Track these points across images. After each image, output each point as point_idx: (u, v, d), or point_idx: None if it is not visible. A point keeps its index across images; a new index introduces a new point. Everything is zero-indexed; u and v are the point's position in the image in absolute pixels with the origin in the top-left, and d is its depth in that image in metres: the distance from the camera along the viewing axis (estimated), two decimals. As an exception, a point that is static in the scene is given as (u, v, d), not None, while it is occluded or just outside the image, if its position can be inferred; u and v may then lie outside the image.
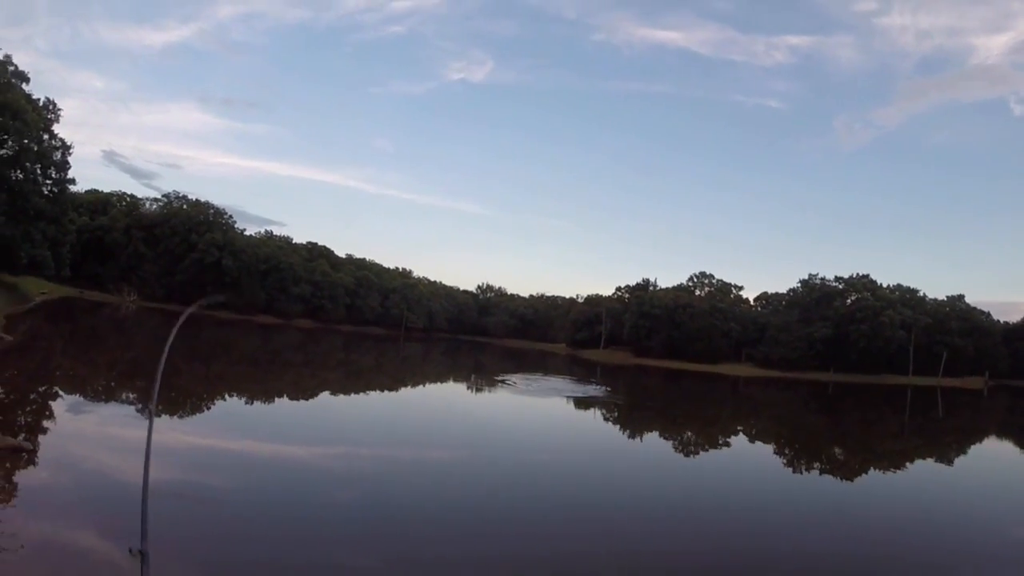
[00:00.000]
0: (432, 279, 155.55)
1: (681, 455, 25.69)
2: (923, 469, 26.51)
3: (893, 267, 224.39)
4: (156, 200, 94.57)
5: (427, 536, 12.08)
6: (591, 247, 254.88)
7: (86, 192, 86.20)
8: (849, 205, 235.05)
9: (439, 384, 47.06)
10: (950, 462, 28.80)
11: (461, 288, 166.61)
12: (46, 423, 15.80)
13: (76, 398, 19.94)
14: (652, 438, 29.61)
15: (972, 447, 35.06)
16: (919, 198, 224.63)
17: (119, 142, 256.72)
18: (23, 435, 13.41)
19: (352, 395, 33.70)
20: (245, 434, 18.92)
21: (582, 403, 38.38)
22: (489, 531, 12.95)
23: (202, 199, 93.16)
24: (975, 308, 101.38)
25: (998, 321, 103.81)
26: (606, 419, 34.09)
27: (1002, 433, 43.08)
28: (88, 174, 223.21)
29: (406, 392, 38.96)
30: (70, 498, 11.29)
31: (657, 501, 17.08)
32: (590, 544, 12.92)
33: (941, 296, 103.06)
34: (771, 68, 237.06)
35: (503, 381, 46.89)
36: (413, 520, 12.89)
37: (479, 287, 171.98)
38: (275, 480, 14.67)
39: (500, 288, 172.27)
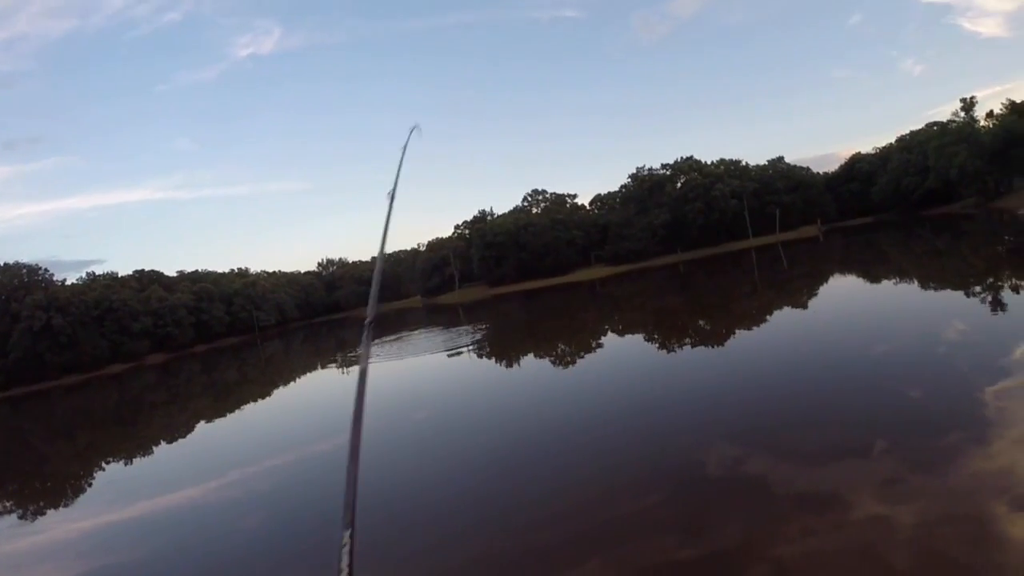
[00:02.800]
0: (271, 270, 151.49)
1: (561, 368, 26.98)
2: (783, 317, 28.63)
3: (714, 144, 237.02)
4: None
5: (336, 529, 12.25)
6: (422, 194, 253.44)
7: None
8: (660, 95, 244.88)
9: (308, 375, 45.99)
10: (805, 305, 31.00)
11: (303, 271, 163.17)
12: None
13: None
14: (530, 361, 30.38)
15: (820, 287, 37.86)
16: (724, 76, 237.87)
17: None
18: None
19: (227, 416, 32.54)
20: (136, 496, 18.13)
21: (451, 349, 38.76)
22: (395, 505, 12.92)
23: (10, 261, 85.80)
24: (795, 166, 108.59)
25: (818, 173, 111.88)
26: (480, 356, 34.84)
27: (844, 268, 46.55)
28: None
29: (279, 393, 38.25)
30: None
31: (546, 419, 17.92)
32: (491, 474, 13.94)
33: (763, 161, 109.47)
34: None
35: (353, 362, 45.87)
36: (319, 519, 12.86)
37: (320, 264, 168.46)
38: (181, 532, 14.19)
39: (342, 259, 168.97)
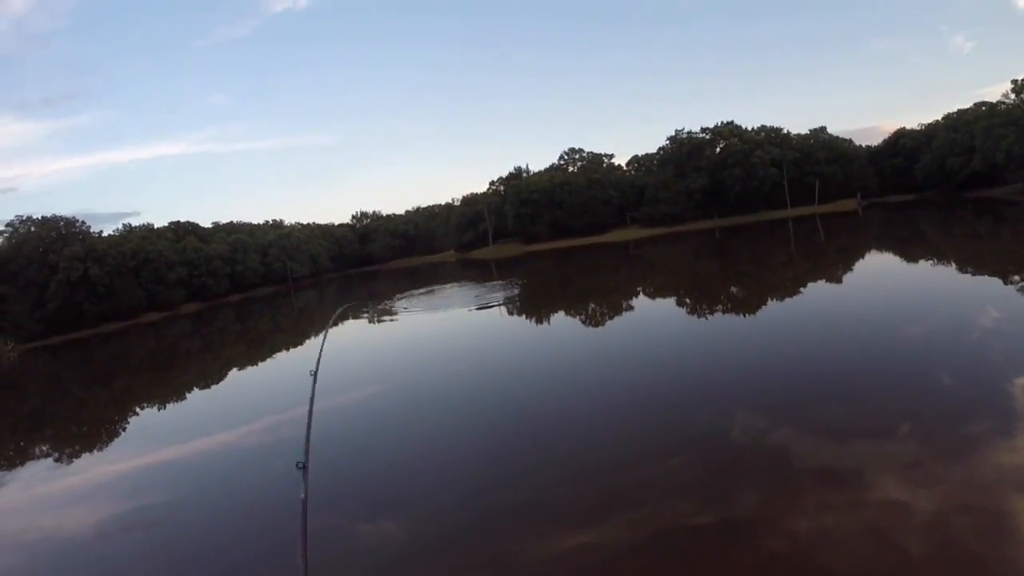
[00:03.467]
0: (305, 222, 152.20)
1: (592, 328, 27.31)
2: (817, 290, 28.19)
3: (755, 110, 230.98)
4: (0, 233, 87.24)
5: (364, 478, 12.91)
6: (457, 150, 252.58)
7: (-78, 252, 78.81)
8: (700, 58, 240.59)
9: (339, 325, 45.43)
10: (839, 280, 30.59)
11: (337, 223, 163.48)
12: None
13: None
14: (561, 320, 30.51)
15: (856, 262, 37.04)
16: (766, 41, 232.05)
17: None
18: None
19: (259, 364, 33.35)
20: (170, 440, 18.56)
21: (482, 305, 38.71)
22: (423, 457, 13.62)
23: (48, 215, 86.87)
24: (838, 137, 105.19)
25: (861, 146, 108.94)
26: (511, 313, 34.95)
27: (881, 245, 45.19)
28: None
29: (311, 343, 38.51)
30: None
31: (574, 379, 18.14)
32: (516, 429, 14.34)
33: (804, 130, 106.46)
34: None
35: (391, 309, 45.80)
36: (345, 468, 13.66)
37: (354, 216, 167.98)
38: (213, 476, 14.85)
39: (376, 212, 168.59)
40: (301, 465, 4.81)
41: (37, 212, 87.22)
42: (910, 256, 35.72)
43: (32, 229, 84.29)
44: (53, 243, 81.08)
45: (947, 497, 8.39)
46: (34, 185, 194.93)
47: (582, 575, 8.20)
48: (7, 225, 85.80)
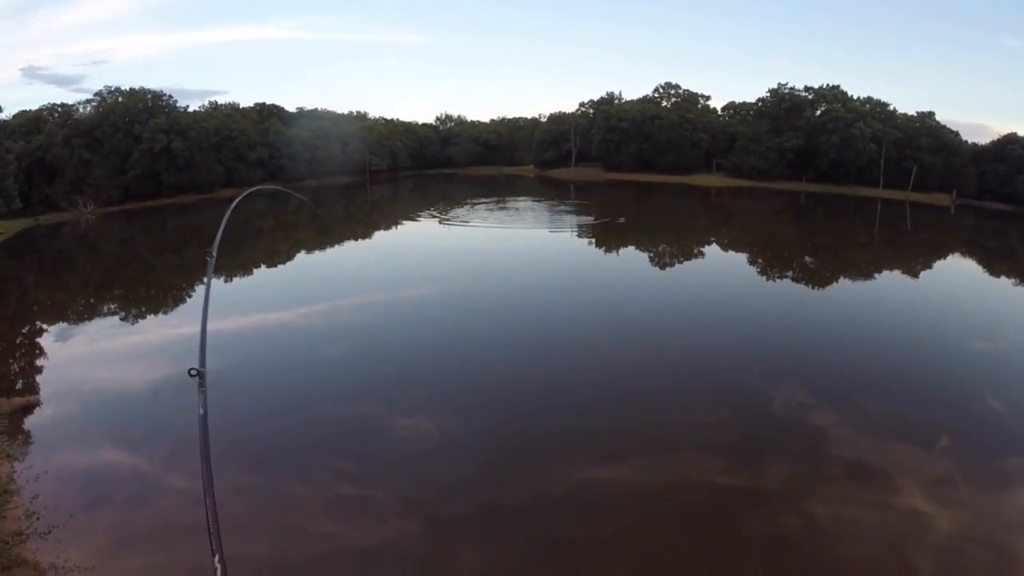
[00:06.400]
0: (389, 118, 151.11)
1: (659, 270, 27.60)
2: (892, 280, 27.15)
3: (864, 79, 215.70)
4: (89, 101, 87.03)
5: (410, 372, 13.43)
6: (550, 64, 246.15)
7: (14, 116, 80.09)
8: (819, 11, 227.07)
9: (409, 223, 44.44)
10: (917, 275, 29.42)
11: (420, 122, 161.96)
12: (39, 362, 15.62)
13: (61, 327, 19.39)
14: (631, 255, 30.85)
15: (937, 261, 35.13)
16: (892, 9, 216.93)
17: (36, 55, 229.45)
18: (22, 385, 13.70)
19: (327, 249, 33.89)
20: (231, 311, 18.91)
21: (555, 227, 38.56)
22: (471, 362, 14.26)
23: (136, 87, 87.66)
24: (944, 126, 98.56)
25: (966, 141, 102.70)
26: (582, 238, 35.06)
27: (967, 251, 42.00)
28: (10, 98, 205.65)
29: (379, 236, 38.64)
30: (82, 426, 11.42)
31: (632, 318, 18.67)
32: (569, 356, 14.85)
33: (911, 112, 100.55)
34: None
35: (464, 216, 44.35)
36: (395, 360, 14.35)
37: (438, 118, 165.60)
38: (267, 350, 15.56)
39: (460, 116, 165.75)
40: (195, 373, 3.63)
41: (125, 84, 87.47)
42: (994, 270, 33.05)
43: (120, 100, 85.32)
44: (139, 114, 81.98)
45: (968, 524, 8.28)
46: (124, 59, 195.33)
47: (596, 509, 8.50)
48: (95, 94, 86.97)
